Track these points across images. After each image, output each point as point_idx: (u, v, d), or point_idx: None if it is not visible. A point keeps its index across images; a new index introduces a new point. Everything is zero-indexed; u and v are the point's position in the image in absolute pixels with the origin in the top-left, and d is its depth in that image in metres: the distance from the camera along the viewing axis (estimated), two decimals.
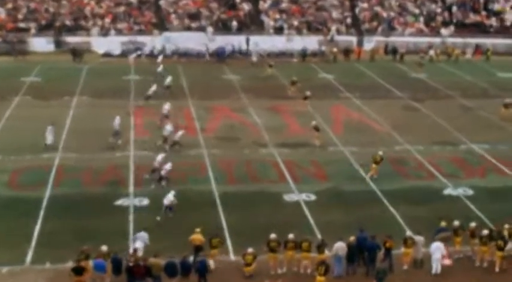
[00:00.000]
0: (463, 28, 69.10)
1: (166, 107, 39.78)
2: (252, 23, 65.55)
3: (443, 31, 68.20)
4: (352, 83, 50.98)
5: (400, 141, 37.87)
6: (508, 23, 71.00)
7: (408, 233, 25.34)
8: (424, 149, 36.45)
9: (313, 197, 29.99)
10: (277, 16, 66.46)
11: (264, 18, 66.20)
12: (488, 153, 36.17)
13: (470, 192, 30.97)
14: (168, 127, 36.13)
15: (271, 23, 65.28)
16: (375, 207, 29.15)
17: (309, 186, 31.13)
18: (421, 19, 69.85)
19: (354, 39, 65.33)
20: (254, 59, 58.60)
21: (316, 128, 37.37)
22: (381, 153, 33.13)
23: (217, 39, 61.32)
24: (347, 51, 61.98)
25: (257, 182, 31.42)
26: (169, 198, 27.88)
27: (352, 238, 24.11)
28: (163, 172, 30.65)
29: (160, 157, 31.80)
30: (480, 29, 69.55)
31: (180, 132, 35.84)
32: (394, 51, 62.97)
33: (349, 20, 67.58)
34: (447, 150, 36.68)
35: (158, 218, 27.34)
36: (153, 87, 44.94)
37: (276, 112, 43.32)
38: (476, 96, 49.11)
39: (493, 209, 28.93)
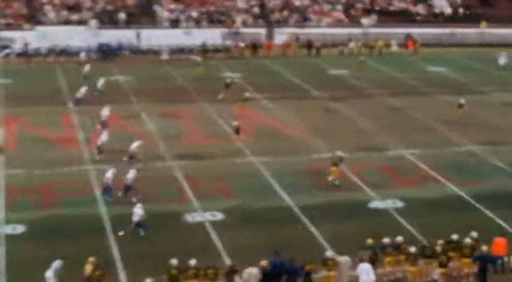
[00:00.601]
0: (386, 17, 70.94)
1: (106, 112, 39.80)
2: (143, 15, 64.95)
3: (365, 21, 69.77)
4: (262, 82, 51.30)
5: (318, 148, 38.23)
6: (437, 10, 73.39)
7: (329, 253, 25.43)
8: (347, 157, 36.89)
9: (219, 216, 29.76)
10: (173, 6, 66.16)
11: (156, 8, 65.71)
12: (420, 160, 36.99)
13: (401, 204, 31.51)
14: (104, 136, 36.11)
15: (166, 14, 64.88)
16: (292, 226, 29.12)
17: (214, 203, 30.85)
18: (339, 7, 71.19)
19: (262, 31, 65.77)
20: (165, 57, 58.35)
21: (237, 130, 37.88)
22: (339, 153, 33.77)
23: (103, 34, 60.50)
24: (255, 46, 62.34)
25: (153, 201, 30.85)
26: (138, 213, 27.81)
27: (265, 262, 23.99)
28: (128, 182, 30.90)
29: (131, 173, 31.40)
30: (406, 17, 71.57)
31: (135, 144, 35.51)
32: (309, 44, 63.83)
33: (256, 10, 68.04)
34: (373, 157, 37.26)
35: (121, 233, 27.39)
36: (83, 90, 45.09)
37: (174, 118, 42.98)
38: (404, 94, 50.41)
39: (426, 222, 29.45)
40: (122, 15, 63.26)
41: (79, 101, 44.76)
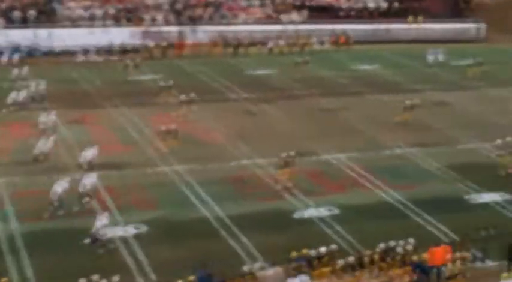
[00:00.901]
0: (317, 12, 71.50)
1: (43, 118, 39.88)
2: (42, 13, 63.85)
3: (289, 16, 70.18)
4: (177, 85, 50.84)
5: (241, 154, 38.35)
6: (371, 5, 74.26)
7: (256, 265, 25.56)
8: (272, 162, 37.08)
9: (141, 229, 29.59)
10: (73, 4, 65.26)
11: (56, 6, 64.73)
12: (352, 164, 37.40)
13: (332, 211, 31.76)
14: (41, 143, 36.43)
15: (67, 12, 64.03)
16: (215, 238, 29.16)
17: (135, 216, 30.67)
18: (267, 2, 71.44)
19: (175, 30, 65.47)
20: (81, 58, 57.87)
21: (168, 133, 38.09)
22: (291, 153, 34.51)
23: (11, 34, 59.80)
24: (167, 46, 62.10)
25: (66, 216, 30.58)
26: (103, 221, 28.11)
27: (191, 278, 24.05)
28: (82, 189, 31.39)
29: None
30: (335, 13, 72.27)
31: (90, 152, 35.33)
32: (229, 43, 63.91)
33: (167, 6, 67.68)
34: (302, 162, 37.28)
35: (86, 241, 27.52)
36: (22, 93, 45.26)
37: (85, 125, 42.73)
38: (335, 94, 51.01)
39: (360, 229, 29.83)
40: (17, 14, 62.10)
41: (21, 104, 44.86)
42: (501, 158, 36.91)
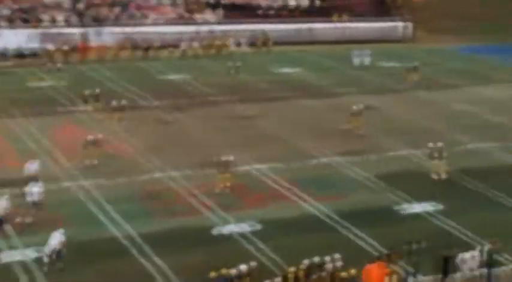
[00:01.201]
0: (233, 11, 71.75)
1: None
2: None
3: (205, 16, 70.31)
4: (81, 92, 50.24)
5: (154, 167, 38.17)
6: (292, 3, 74.88)
7: None
8: (188, 174, 37.02)
9: (41, 253, 28.99)
10: None
11: None
12: (274, 175, 37.55)
13: (254, 226, 31.79)
14: None
15: None
16: (125, 259, 28.89)
17: (37, 237, 30.12)
18: (179, 1, 71.43)
19: (77, 31, 64.81)
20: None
21: (91, 143, 37.82)
22: (230, 158, 35.27)
23: None
24: (69, 49, 61.44)
25: None
26: (58, 237, 27.56)
27: None
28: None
29: None
30: (253, 12, 72.64)
31: (33, 165, 34.72)
32: (138, 46, 63.66)
33: (68, 6, 66.95)
34: (220, 174, 37.57)
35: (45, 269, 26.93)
36: None
37: None
38: (255, 100, 51.35)
39: (284, 245, 29.91)
40: None
41: None
42: (434, 163, 37.85)
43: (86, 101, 47.73)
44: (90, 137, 38.48)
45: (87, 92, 48.60)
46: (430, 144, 38.36)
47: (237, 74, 58.24)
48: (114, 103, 45.57)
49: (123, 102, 45.80)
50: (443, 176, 37.56)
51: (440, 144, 38.21)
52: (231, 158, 35.81)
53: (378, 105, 50.67)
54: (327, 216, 32.90)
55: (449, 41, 78.37)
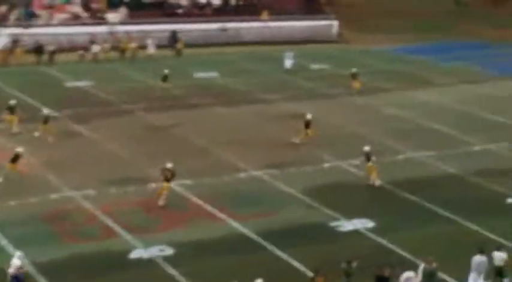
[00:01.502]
0: (139, 10, 71.59)
1: None
2: None
3: (111, 16, 70.02)
4: None
5: (56, 186, 37.67)
6: (203, 0, 75.07)
7: None
8: (96, 193, 36.69)
9: None
10: None
11: None
12: (191, 191, 37.44)
13: (170, 250, 31.62)
14: None
15: None
16: None
17: None
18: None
19: None
20: None
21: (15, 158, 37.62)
22: (169, 165, 35.88)
23: None
24: None
25: None
26: (15, 263, 27.35)
27: None
28: None
29: None
30: (163, 11, 72.62)
31: None
32: (39, 49, 63.15)
33: None
34: (130, 192, 37.30)
35: None
36: None
37: None
38: (167, 109, 51.35)
39: (203, 269, 29.92)
40: None
41: None
42: (368, 169, 38.77)
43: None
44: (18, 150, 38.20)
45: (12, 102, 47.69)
46: (366, 148, 39.16)
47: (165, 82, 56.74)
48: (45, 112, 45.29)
49: (45, 112, 45.37)
50: (377, 183, 38.38)
51: (367, 148, 39.11)
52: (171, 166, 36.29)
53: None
54: (251, 236, 32.92)
55: (382, 41, 79.64)
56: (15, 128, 45.30)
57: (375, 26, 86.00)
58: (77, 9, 70.26)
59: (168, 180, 35.85)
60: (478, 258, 28.25)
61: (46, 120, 44.68)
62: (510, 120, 51.31)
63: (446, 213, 35.57)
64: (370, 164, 38.73)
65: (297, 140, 44.27)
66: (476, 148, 45.47)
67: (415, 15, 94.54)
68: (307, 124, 44.52)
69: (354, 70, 59.03)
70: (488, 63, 70.47)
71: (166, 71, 54.82)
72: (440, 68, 68.73)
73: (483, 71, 67.84)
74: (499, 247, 29.18)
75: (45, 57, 62.98)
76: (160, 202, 35.49)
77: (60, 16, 68.82)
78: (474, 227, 34.21)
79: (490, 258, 28.57)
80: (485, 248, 28.65)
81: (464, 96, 58.20)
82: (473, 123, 50.53)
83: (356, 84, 57.44)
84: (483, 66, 69.34)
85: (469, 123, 50.39)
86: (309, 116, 44.75)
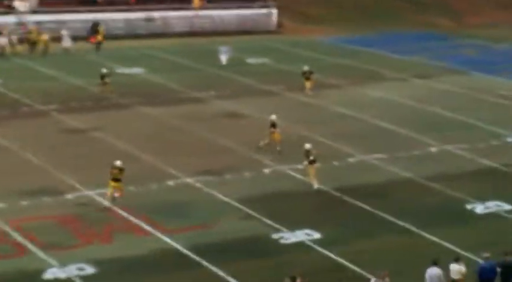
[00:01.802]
0: None
1: None
2: None
3: (19, 3, 69.57)
4: None
5: None
6: None
7: None
8: (5, 206, 36.48)
9: None
10: None
11: None
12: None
13: (90, 269, 31.47)
14: None
15: None
16: None
17: None
18: None
19: None
20: None
21: None
22: (117, 163, 36.61)
23: None
24: None
25: None
26: None
27: None
28: None
29: None
30: None
31: None
32: None
33: None
34: (45, 205, 37.14)
35: None
36: None
37: None
38: (87, 110, 51.52)
39: None
40: None
41: None
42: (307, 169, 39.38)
43: None
44: None
45: None
46: (307, 145, 39.62)
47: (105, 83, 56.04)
48: None
49: None
50: (315, 185, 39.04)
51: (308, 145, 39.53)
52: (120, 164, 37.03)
53: (245, 111, 51.22)
54: (184, 251, 32.94)
55: (326, 31, 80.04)
56: None
57: (319, 14, 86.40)
58: None
59: (116, 179, 36.19)
60: (432, 271, 28.55)
61: None
62: (468, 118, 51.89)
63: (401, 222, 35.90)
64: (306, 162, 39.22)
65: (263, 143, 44.42)
66: (433, 149, 45.99)
67: (364, 3, 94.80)
68: (273, 125, 44.72)
69: (305, 68, 58.10)
70: (444, 56, 71.29)
71: (104, 70, 54.67)
72: (392, 61, 69.34)
73: (439, 65, 68.50)
74: (457, 258, 29.41)
75: None
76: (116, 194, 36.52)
77: None
78: (431, 237, 34.53)
79: (448, 271, 28.94)
80: (442, 260, 28.92)
81: (418, 92, 58.87)
82: (428, 122, 51.03)
83: (308, 85, 57.21)
84: (439, 60, 70.04)
85: (424, 122, 50.88)
86: (273, 117, 44.96)
